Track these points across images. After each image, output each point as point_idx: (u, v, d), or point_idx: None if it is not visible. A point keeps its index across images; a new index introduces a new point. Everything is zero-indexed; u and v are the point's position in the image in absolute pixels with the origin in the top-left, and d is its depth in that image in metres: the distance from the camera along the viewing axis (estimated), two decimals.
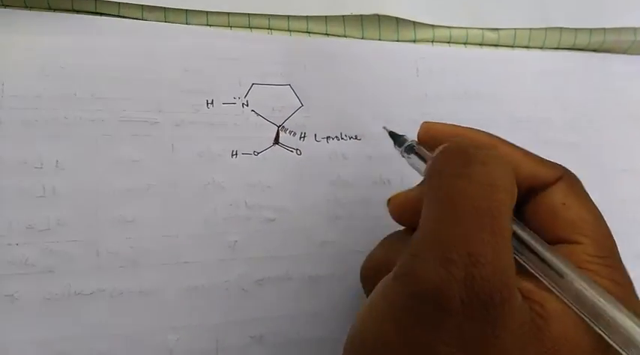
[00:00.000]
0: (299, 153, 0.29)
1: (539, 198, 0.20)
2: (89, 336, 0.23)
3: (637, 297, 0.18)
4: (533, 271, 0.18)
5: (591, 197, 0.20)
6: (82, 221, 0.24)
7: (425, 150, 0.23)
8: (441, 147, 0.19)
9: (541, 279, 0.17)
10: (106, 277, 0.24)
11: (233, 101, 0.28)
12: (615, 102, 0.34)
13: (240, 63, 0.28)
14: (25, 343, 0.23)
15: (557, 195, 0.19)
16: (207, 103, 0.27)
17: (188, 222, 0.26)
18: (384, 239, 0.23)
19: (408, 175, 0.31)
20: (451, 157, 0.18)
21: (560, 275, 0.17)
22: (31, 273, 0.23)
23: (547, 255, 0.18)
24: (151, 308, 0.24)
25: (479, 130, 0.21)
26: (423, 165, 0.22)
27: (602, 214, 0.20)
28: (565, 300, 0.17)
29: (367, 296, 0.19)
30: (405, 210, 0.21)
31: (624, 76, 0.35)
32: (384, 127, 0.26)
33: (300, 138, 0.29)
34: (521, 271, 0.17)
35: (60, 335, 0.23)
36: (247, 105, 0.28)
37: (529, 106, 0.32)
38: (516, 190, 0.18)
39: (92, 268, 0.24)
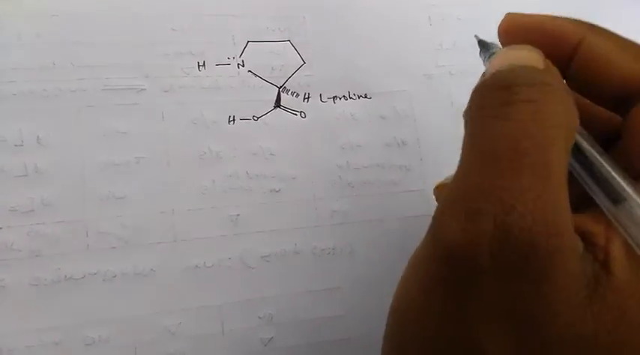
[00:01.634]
0: (303, 115, 0.26)
1: (633, 111, 0.15)
2: (83, 323, 0.22)
3: None
4: (596, 199, 0.14)
5: None
6: (69, 200, 0.22)
7: None
8: (479, 82, 0.15)
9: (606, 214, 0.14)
10: (97, 259, 0.22)
11: (227, 62, 0.25)
12: None
13: (233, 19, 0.25)
14: (14, 333, 0.21)
15: None
16: (199, 65, 0.25)
17: (184, 197, 0.23)
18: None
19: (426, 135, 0.28)
20: (490, 95, 0.14)
21: (617, 200, 0.13)
22: (17, 259, 0.21)
23: (609, 173, 0.14)
24: (148, 290, 0.22)
25: (561, 19, 0.16)
26: None
27: None
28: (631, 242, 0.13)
29: None
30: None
31: None
32: (476, 35, 0.20)
33: (304, 99, 0.26)
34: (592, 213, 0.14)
35: (51, 323, 0.21)
36: (243, 66, 0.25)
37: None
38: (577, 122, 0.14)
39: (82, 250, 0.22)
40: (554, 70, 0.15)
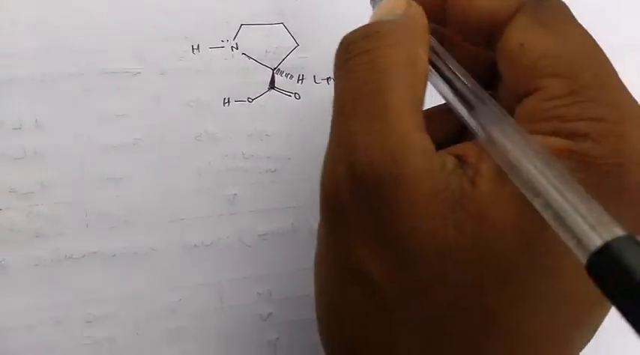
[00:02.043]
0: (298, 97, 0.26)
1: (499, 48, 0.16)
2: (84, 301, 0.22)
3: None
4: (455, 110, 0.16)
5: None
6: (68, 181, 0.23)
7: None
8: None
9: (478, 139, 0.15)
10: (97, 239, 0.22)
11: (221, 44, 0.26)
12: None
13: (225, 2, 0.26)
14: (15, 312, 0.21)
15: (514, 35, 0.16)
16: (193, 49, 0.25)
17: (181, 177, 0.24)
18: None
19: None
20: (338, 54, 0.17)
21: (471, 106, 0.15)
22: (17, 239, 0.22)
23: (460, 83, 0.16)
24: (148, 269, 0.23)
25: None
26: None
27: None
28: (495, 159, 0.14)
29: None
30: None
31: None
32: None
33: (298, 80, 0.27)
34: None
35: (52, 301, 0.22)
36: (237, 49, 0.26)
37: None
38: (422, 54, 0.16)
39: (82, 230, 0.22)
40: (409, 13, 0.17)
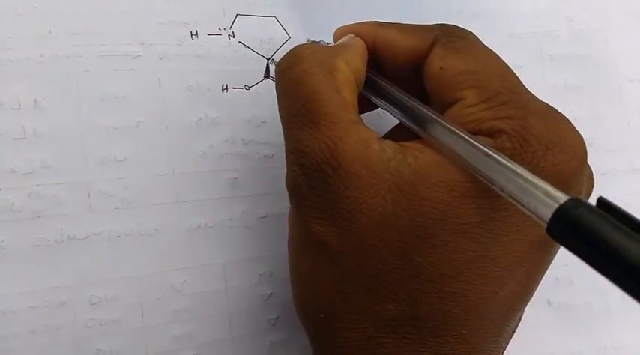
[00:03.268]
0: None
1: (424, 73, 0.20)
2: (87, 283, 0.22)
3: (542, 124, 0.18)
4: (409, 127, 0.19)
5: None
6: (69, 162, 0.22)
7: None
8: None
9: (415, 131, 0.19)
10: (100, 220, 0.22)
11: (218, 32, 0.26)
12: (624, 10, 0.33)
13: None
14: (17, 295, 0.21)
15: (434, 62, 0.20)
16: (192, 35, 0.26)
17: (183, 160, 0.24)
18: None
19: None
20: (275, 77, 0.21)
21: (421, 126, 0.19)
22: (18, 219, 0.21)
23: (403, 101, 0.20)
24: (153, 250, 0.23)
25: (366, 23, 0.22)
26: None
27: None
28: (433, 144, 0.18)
29: None
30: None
31: None
32: (308, 39, 0.27)
33: None
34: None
35: (56, 283, 0.21)
36: (234, 37, 0.26)
37: (530, 22, 0.31)
38: (340, 65, 0.19)
39: (84, 211, 0.22)
40: (340, 40, 0.22)
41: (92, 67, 0.23)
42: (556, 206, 0.14)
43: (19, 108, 0.22)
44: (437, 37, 0.20)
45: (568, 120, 0.19)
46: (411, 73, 0.21)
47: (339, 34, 0.23)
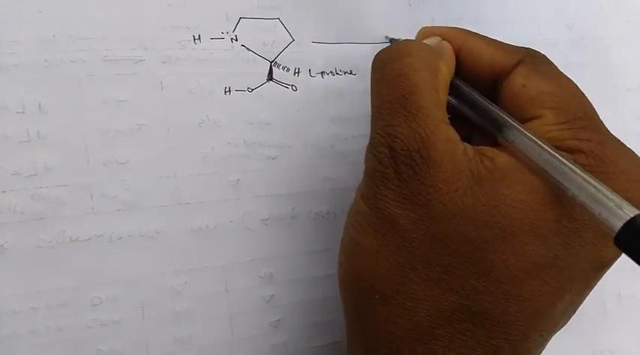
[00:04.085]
0: (294, 89, 0.27)
1: (504, 87, 0.21)
2: (90, 284, 0.22)
3: (619, 150, 0.19)
4: (483, 126, 0.21)
5: (603, 117, 0.20)
6: (72, 164, 0.23)
7: None
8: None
9: (491, 132, 0.20)
10: (102, 221, 0.22)
11: (221, 36, 0.26)
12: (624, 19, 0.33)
13: None
14: (19, 296, 0.21)
15: (517, 80, 0.21)
16: (194, 39, 0.26)
17: (185, 162, 0.24)
18: None
19: None
20: (374, 65, 0.22)
21: (500, 128, 0.20)
22: (21, 221, 0.21)
23: (486, 107, 0.21)
24: (154, 251, 0.23)
25: (455, 29, 0.23)
26: None
27: (615, 132, 0.20)
28: (512, 150, 0.19)
29: None
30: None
31: None
32: (386, 36, 0.27)
33: (295, 73, 0.28)
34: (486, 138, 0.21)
35: (57, 284, 0.21)
36: (237, 40, 0.27)
37: (531, 29, 0.31)
38: (442, 68, 0.21)
39: (87, 213, 0.22)
40: (438, 42, 0.23)
41: (96, 72, 0.24)
42: (627, 217, 0.15)
43: (24, 112, 0.22)
44: (523, 58, 0.21)
45: (637, 154, 0.20)
46: (487, 84, 0.22)
47: (424, 33, 0.24)
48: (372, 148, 0.20)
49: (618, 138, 0.21)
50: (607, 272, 0.27)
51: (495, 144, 0.21)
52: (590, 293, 0.29)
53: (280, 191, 0.26)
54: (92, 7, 0.24)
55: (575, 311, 0.20)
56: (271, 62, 0.27)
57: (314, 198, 0.26)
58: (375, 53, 0.22)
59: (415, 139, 0.19)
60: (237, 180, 0.25)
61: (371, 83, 0.21)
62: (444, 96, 0.21)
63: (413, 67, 0.20)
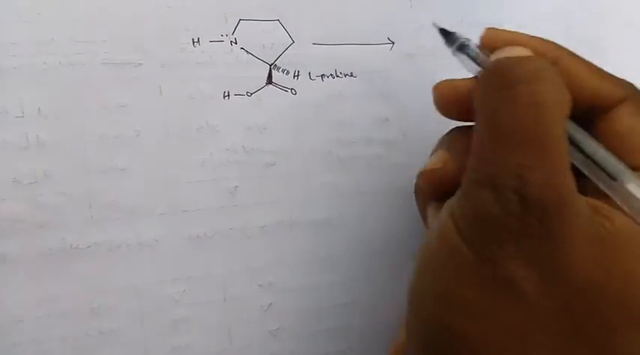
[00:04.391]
0: (294, 92, 0.27)
1: (604, 120, 0.19)
2: (89, 291, 0.22)
3: None
4: (594, 179, 0.18)
5: None
6: (71, 171, 0.22)
7: (477, 50, 0.21)
8: (486, 67, 0.19)
9: (603, 189, 0.17)
10: (101, 229, 0.22)
11: (220, 39, 0.26)
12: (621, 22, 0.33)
13: None
14: (21, 303, 0.21)
15: (623, 119, 0.18)
16: (193, 41, 0.25)
17: (184, 168, 0.24)
18: (445, 137, 0.22)
19: (407, 112, 0.30)
20: (495, 78, 0.18)
21: (613, 178, 0.17)
22: (22, 229, 0.21)
23: (603, 158, 0.18)
24: (153, 259, 0.23)
25: (545, 40, 0.20)
26: (474, 67, 0.20)
27: None
28: (629, 212, 0.17)
29: (420, 211, 0.20)
30: (451, 101, 0.20)
31: None
32: (434, 23, 0.23)
33: (294, 76, 0.27)
34: (596, 192, 0.18)
35: (58, 292, 0.22)
36: (236, 43, 0.26)
37: (530, 31, 0.31)
38: (569, 99, 0.17)
39: (86, 221, 0.22)
40: (546, 59, 0.19)
41: (95, 75, 0.23)
42: None
43: (23, 116, 0.22)
44: (630, 94, 0.19)
45: None
46: (582, 116, 0.19)
47: (499, 39, 0.21)
48: (495, 188, 0.16)
49: None
50: None
51: (596, 193, 0.18)
52: None
53: (278, 197, 0.26)
54: (91, 9, 0.24)
55: None
56: (271, 65, 0.27)
57: (313, 205, 0.26)
58: (496, 58, 0.19)
59: (551, 189, 0.16)
60: (236, 186, 0.25)
61: (483, 101, 0.18)
62: (567, 136, 0.17)
63: (549, 97, 0.17)
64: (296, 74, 0.27)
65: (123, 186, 0.23)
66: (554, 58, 0.19)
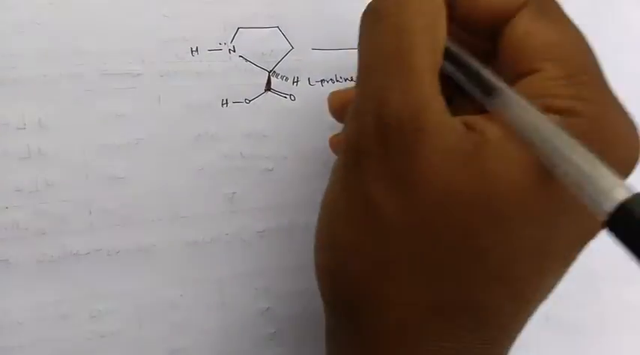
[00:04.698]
0: (293, 98, 0.27)
1: (504, 36, 0.18)
2: (89, 297, 0.23)
3: (619, 113, 0.17)
4: (475, 96, 0.18)
5: None
6: (72, 180, 0.23)
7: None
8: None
9: (479, 100, 0.17)
10: (101, 236, 0.23)
11: (219, 47, 0.26)
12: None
13: (223, 5, 0.26)
14: (22, 308, 0.22)
15: (520, 25, 0.18)
16: (192, 51, 0.26)
17: (182, 176, 0.25)
18: None
19: None
20: (366, 17, 0.19)
21: (488, 93, 0.17)
22: (24, 237, 0.22)
23: (473, 66, 0.18)
24: (151, 265, 0.24)
25: None
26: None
27: None
28: (501, 120, 0.16)
29: None
30: (344, 106, 0.21)
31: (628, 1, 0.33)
32: None
33: (293, 82, 0.27)
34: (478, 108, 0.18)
35: (58, 297, 0.22)
36: (234, 51, 0.27)
37: None
38: (442, 24, 0.18)
39: (86, 228, 0.23)
40: None
41: (94, 86, 0.24)
42: (619, 199, 0.13)
43: (24, 128, 0.23)
44: (527, 0, 0.18)
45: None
46: (486, 32, 0.19)
47: None
48: (355, 115, 0.17)
49: None
50: (605, 278, 0.27)
51: (484, 111, 0.18)
52: (590, 304, 0.29)
53: (276, 203, 0.26)
54: (90, 21, 0.25)
55: (556, 285, 0.18)
56: (269, 72, 0.27)
57: (310, 210, 0.26)
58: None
59: (408, 106, 0.16)
60: (234, 192, 0.25)
61: (360, 38, 0.19)
62: (440, 58, 0.18)
63: (413, 21, 0.17)
64: (295, 80, 0.28)
65: (122, 193, 0.24)
66: None
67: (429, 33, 0.17)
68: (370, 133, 0.16)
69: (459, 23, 0.20)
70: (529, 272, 0.17)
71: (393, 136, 0.16)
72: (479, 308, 0.17)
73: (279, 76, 0.27)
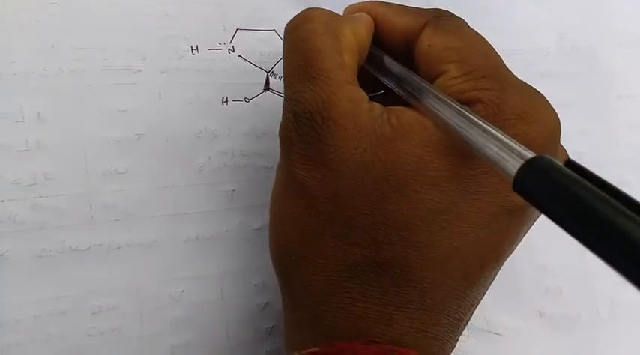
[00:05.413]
0: None
1: (415, 51, 0.22)
2: (88, 293, 0.22)
3: (516, 97, 0.19)
4: (392, 87, 0.21)
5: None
6: (71, 174, 0.23)
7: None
8: None
9: (399, 93, 0.21)
10: (101, 231, 0.23)
11: (219, 47, 0.27)
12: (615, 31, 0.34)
13: (222, 7, 0.27)
14: (21, 304, 0.21)
15: (424, 40, 0.21)
16: (192, 49, 0.26)
17: (182, 172, 0.25)
18: None
19: None
20: (284, 34, 0.22)
21: (409, 90, 0.21)
22: (21, 231, 0.22)
23: (397, 71, 0.22)
24: (152, 260, 0.23)
25: (371, 1, 0.24)
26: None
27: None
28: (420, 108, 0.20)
29: None
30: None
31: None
32: None
33: None
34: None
35: (58, 293, 0.22)
36: (234, 51, 0.27)
37: (521, 37, 0.32)
38: (346, 32, 0.21)
39: (86, 222, 0.23)
40: (352, 9, 0.24)
41: (94, 81, 0.24)
42: (522, 161, 0.15)
43: (23, 121, 0.23)
44: (429, 19, 0.22)
45: (544, 96, 0.20)
46: (404, 49, 0.23)
47: (349, 11, 0.25)
48: (283, 114, 0.21)
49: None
50: (600, 278, 0.28)
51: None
52: (584, 299, 0.30)
53: None
54: (91, 17, 0.25)
55: (499, 260, 0.20)
56: (268, 72, 0.28)
57: None
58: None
59: (316, 101, 0.19)
60: (233, 190, 0.25)
61: (284, 48, 0.22)
62: (349, 59, 0.21)
63: (314, 31, 0.21)
64: None
65: (123, 188, 0.24)
66: (375, 11, 0.23)
67: (332, 38, 0.21)
68: (291, 128, 0.20)
69: (386, 42, 0.24)
70: (439, 235, 0.19)
71: (307, 127, 0.20)
72: (390, 267, 0.19)
73: (277, 77, 0.28)
